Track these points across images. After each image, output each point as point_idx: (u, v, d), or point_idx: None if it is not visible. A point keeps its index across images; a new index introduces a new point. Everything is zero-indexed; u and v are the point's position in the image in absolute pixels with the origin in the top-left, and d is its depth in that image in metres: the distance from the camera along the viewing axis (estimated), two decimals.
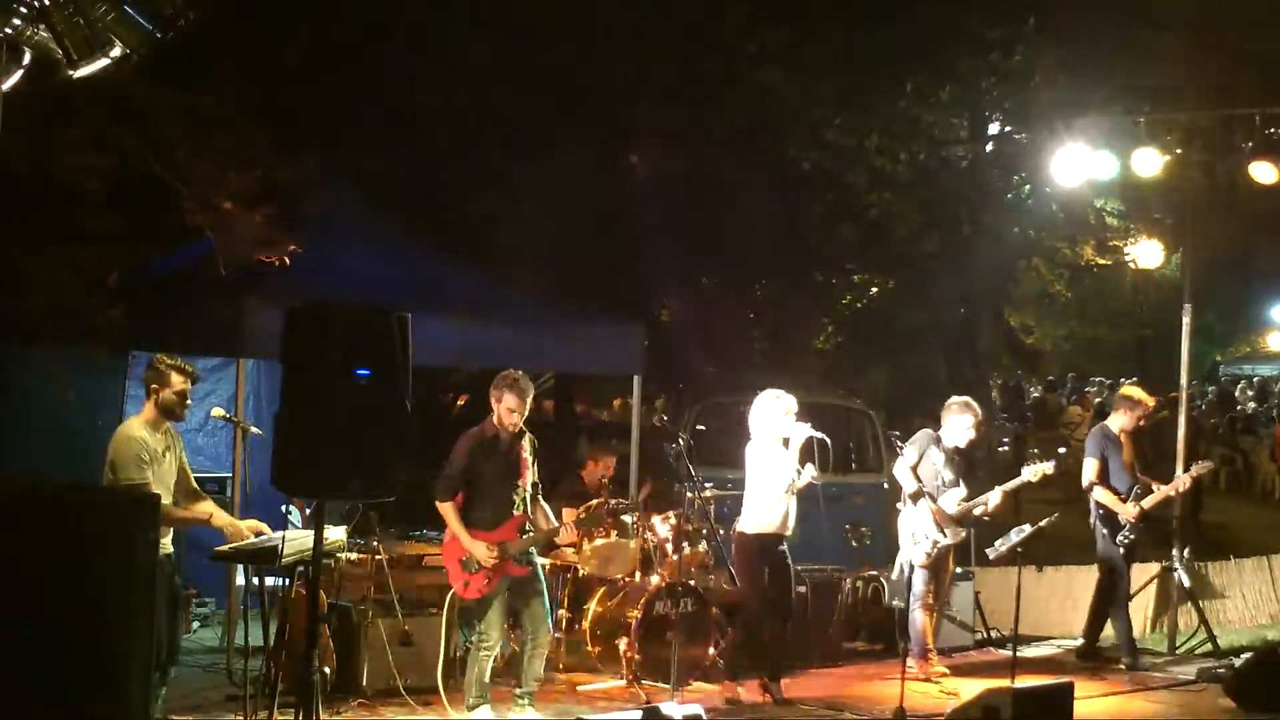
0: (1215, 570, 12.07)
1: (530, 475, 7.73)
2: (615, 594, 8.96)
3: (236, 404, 9.01)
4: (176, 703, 7.44)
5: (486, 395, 7.75)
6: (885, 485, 12.46)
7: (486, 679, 7.61)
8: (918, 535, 9.11)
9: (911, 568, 9.13)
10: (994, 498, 9.27)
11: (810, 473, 8.42)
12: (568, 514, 8.88)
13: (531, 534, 7.71)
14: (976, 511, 9.29)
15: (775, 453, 8.47)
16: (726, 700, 8.28)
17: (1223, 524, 16.59)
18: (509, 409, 7.61)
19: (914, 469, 9.15)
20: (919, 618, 9.19)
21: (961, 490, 9.20)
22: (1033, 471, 9.36)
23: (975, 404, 9.53)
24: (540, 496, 7.90)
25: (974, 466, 9.50)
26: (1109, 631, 10.27)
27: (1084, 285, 24.45)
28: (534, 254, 13.86)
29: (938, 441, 9.31)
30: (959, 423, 9.31)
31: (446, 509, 7.57)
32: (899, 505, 9.35)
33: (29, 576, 4.43)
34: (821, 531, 11.59)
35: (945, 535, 9.12)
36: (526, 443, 7.72)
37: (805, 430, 8.42)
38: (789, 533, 8.55)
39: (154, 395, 6.85)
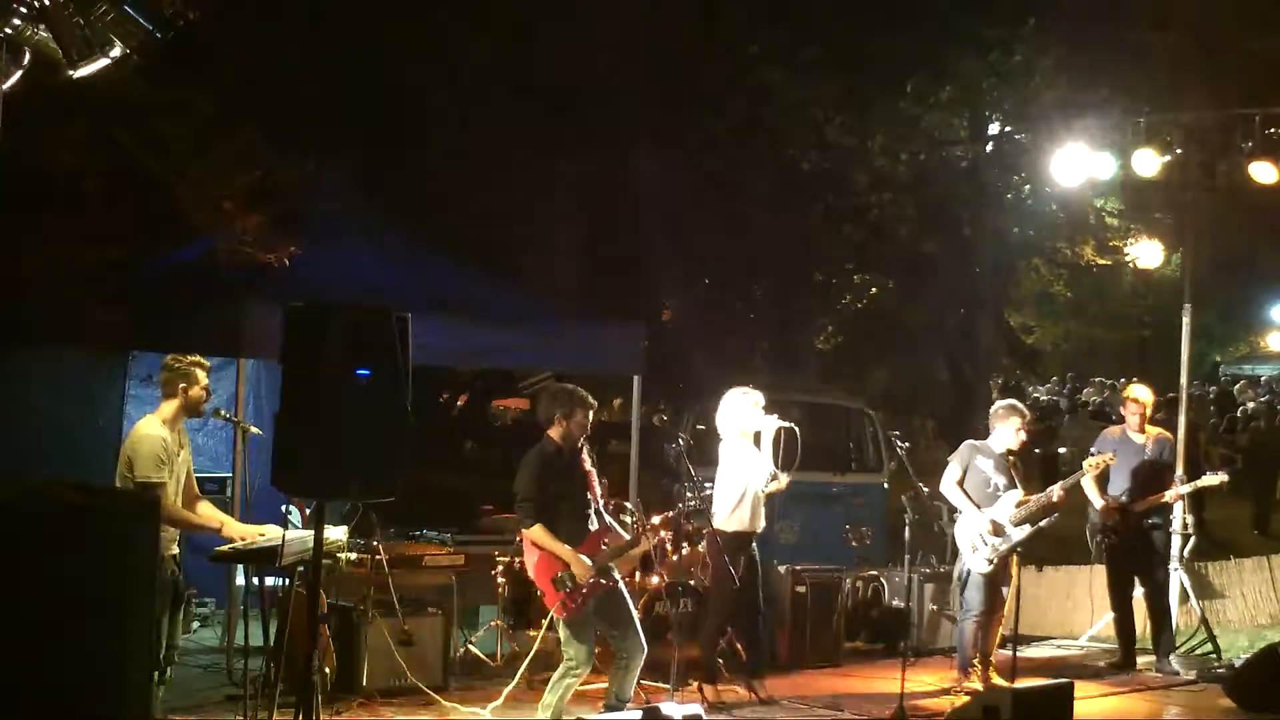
0: (1215, 570, 12.09)
1: (597, 487, 7.60)
2: None
3: (236, 404, 9.00)
4: (176, 703, 7.44)
5: (484, 396, 7.71)
6: (885, 485, 12.48)
7: (566, 701, 7.45)
8: (976, 543, 8.93)
9: (968, 575, 8.98)
10: (1056, 491, 9.04)
11: (782, 479, 8.45)
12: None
13: (609, 547, 7.49)
14: (1058, 494, 9.01)
15: (746, 451, 8.45)
16: (708, 704, 8.19)
17: (1223, 523, 16.59)
18: (580, 425, 7.48)
19: (959, 483, 9.02)
20: (968, 629, 8.99)
21: (1018, 493, 8.95)
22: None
23: (1020, 405, 9.39)
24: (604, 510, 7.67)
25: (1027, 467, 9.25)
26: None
27: (1084, 285, 24.43)
28: (534, 254, 13.87)
29: (982, 450, 9.09)
30: (1008, 426, 9.06)
31: (537, 532, 7.29)
32: (954, 517, 9.24)
33: (29, 576, 4.43)
34: (821, 531, 11.66)
35: (1003, 541, 8.90)
36: (586, 455, 7.60)
37: (774, 421, 8.40)
38: (759, 530, 8.54)
39: (182, 394, 6.83)
